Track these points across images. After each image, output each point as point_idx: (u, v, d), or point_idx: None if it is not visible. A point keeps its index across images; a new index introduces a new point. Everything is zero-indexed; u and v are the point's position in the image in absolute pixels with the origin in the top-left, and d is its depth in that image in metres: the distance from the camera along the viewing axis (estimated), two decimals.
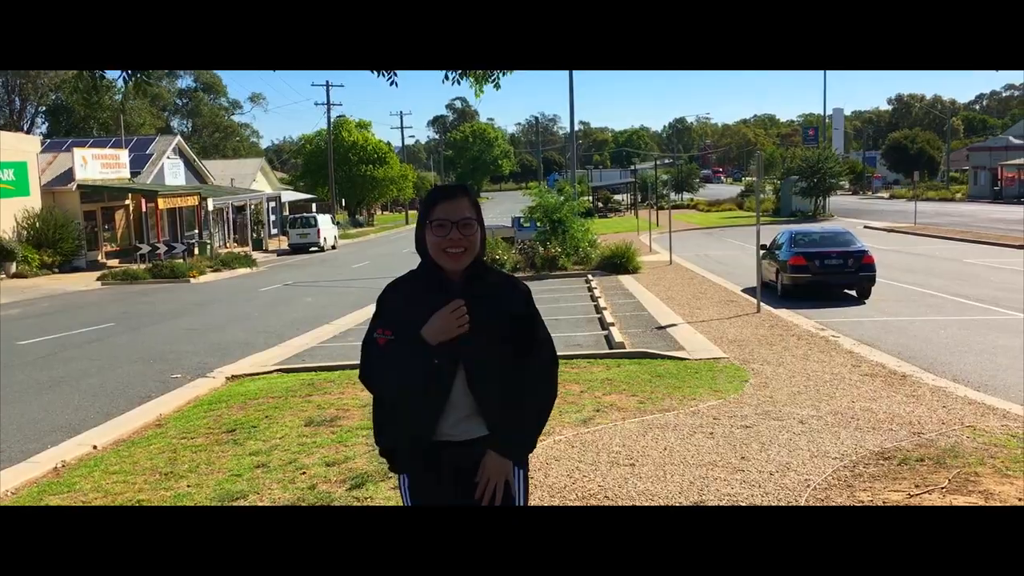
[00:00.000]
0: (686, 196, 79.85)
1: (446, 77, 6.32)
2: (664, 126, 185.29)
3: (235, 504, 5.75)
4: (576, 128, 43.18)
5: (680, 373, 9.60)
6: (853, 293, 18.01)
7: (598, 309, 16.62)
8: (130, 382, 11.67)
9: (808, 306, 16.49)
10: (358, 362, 8.96)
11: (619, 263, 25.30)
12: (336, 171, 64.08)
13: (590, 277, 23.54)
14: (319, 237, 45.11)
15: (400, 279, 3.06)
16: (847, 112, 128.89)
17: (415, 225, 3.02)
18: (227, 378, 11.22)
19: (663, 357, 10.77)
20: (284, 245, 47.68)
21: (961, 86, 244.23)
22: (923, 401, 8.14)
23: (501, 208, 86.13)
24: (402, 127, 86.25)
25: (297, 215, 50.04)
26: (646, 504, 5.39)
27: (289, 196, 62.64)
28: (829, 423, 7.26)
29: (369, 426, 7.62)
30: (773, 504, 5.33)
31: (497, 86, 6.42)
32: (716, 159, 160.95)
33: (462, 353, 2.84)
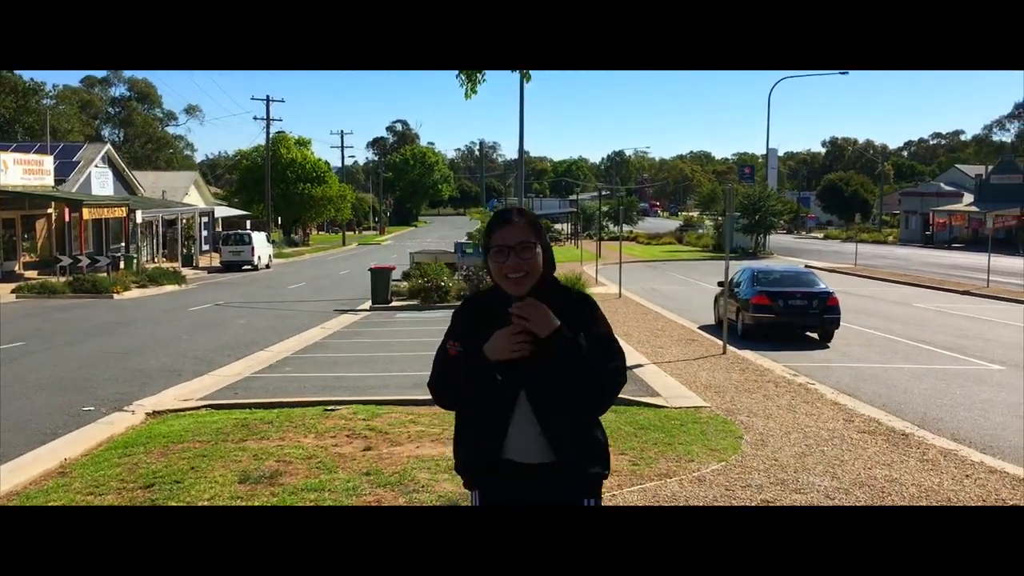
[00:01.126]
0: (625, 228, 79.80)
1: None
2: (602, 158, 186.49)
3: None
4: (516, 156, 42.40)
5: (664, 425, 8.63)
6: (815, 335, 17.38)
7: None
8: (34, 414, 10.23)
9: (771, 348, 15.77)
10: (298, 399, 7.85)
11: None
12: (273, 188, 62.28)
13: None
14: (253, 255, 43.47)
15: (476, 294, 3.14)
16: (780, 153, 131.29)
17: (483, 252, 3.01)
18: (148, 414, 9.88)
19: (639, 404, 9.80)
20: (216, 262, 45.80)
21: (891, 133, 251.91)
22: (942, 468, 7.31)
23: (440, 233, 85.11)
24: (343, 146, 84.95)
25: (231, 231, 48.26)
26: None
27: (223, 212, 60.67)
28: (860, 499, 6.35)
29: (318, 487, 6.55)
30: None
31: (527, 78, 5.51)
32: (653, 193, 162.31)
33: (525, 371, 2.80)
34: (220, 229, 54.89)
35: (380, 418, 8.87)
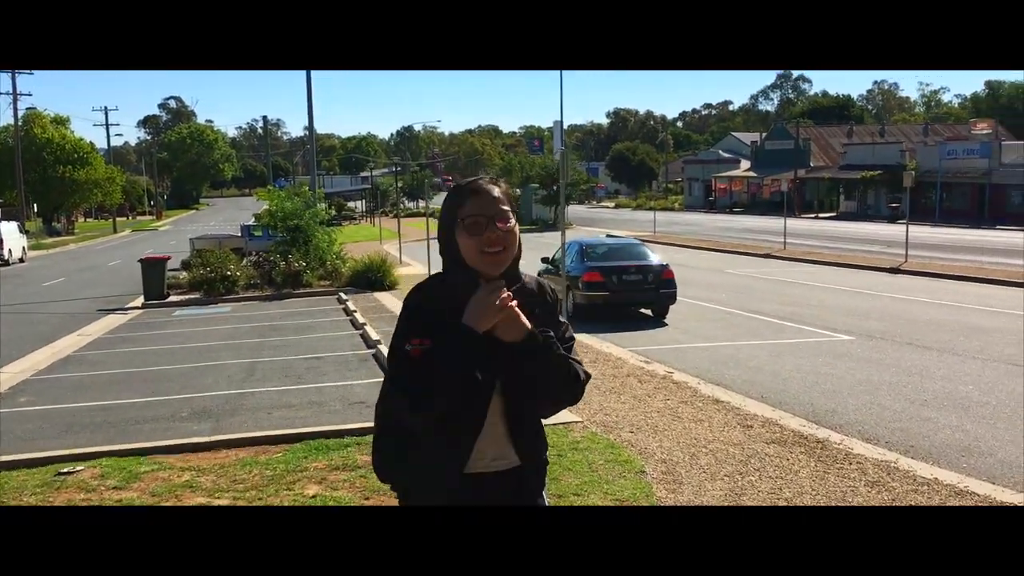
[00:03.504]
0: (421, 204, 77.77)
1: None
2: (391, 134, 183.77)
3: None
4: (302, 134, 39.08)
5: None
6: (648, 312, 16.04)
7: (368, 342, 13.31)
8: None
9: (607, 329, 14.21)
10: (21, 456, 5.53)
11: (374, 278, 22.10)
12: (27, 172, 55.33)
13: (343, 296, 20.12)
14: (2, 248, 37.92)
15: (427, 282, 2.66)
16: (566, 125, 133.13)
17: (437, 228, 2.62)
18: None
19: None
20: None
21: (667, 103, 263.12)
22: (902, 496, 5.71)
23: (224, 215, 79.67)
24: (107, 124, 77.29)
25: None
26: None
27: None
28: None
29: None
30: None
31: None
32: (445, 167, 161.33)
33: (498, 365, 2.45)
34: None
35: (140, 481, 6.26)
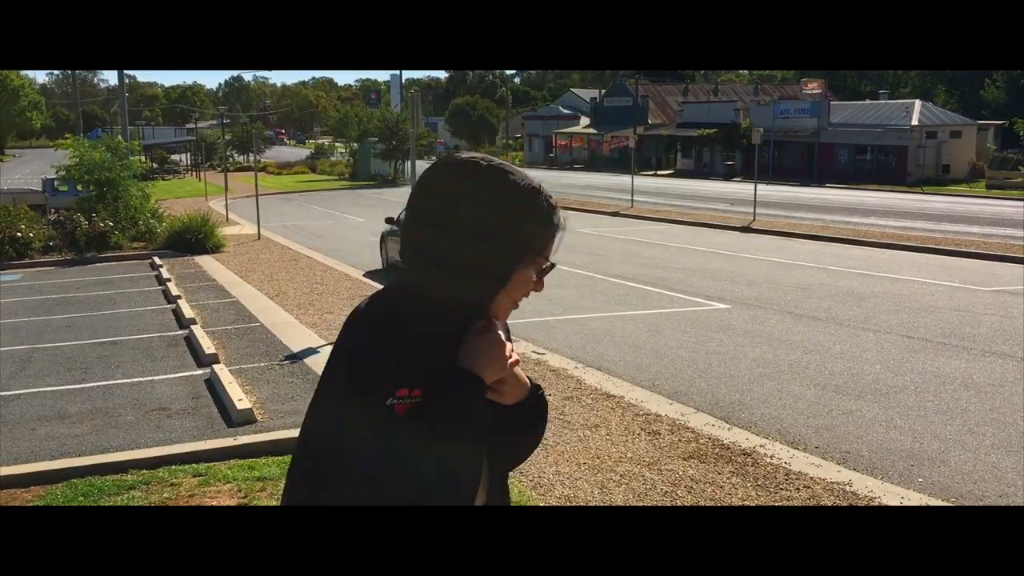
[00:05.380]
0: (253, 158, 73.62)
1: None
2: (219, 84, 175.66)
3: None
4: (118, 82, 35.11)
5: None
6: None
7: (181, 319, 11.12)
8: None
9: None
10: None
11: (195, 240, 19.59)
12: None
13: (157, 260, 17.59)
14: None
15: (395, 293, 1.64)
16: (403, 79, 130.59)
17: (485, 221, 1.57)
18: None
19: None
20: None
21: None
22: None
23: (31, 167, 72.61)
24: None
25: None
26: None
27: None
28: None
29: None
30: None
31: None
32: (277, 120, 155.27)
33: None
34: None
35: None
